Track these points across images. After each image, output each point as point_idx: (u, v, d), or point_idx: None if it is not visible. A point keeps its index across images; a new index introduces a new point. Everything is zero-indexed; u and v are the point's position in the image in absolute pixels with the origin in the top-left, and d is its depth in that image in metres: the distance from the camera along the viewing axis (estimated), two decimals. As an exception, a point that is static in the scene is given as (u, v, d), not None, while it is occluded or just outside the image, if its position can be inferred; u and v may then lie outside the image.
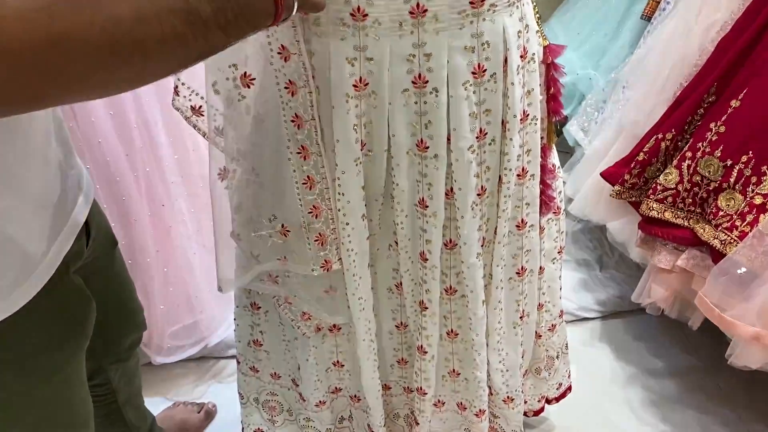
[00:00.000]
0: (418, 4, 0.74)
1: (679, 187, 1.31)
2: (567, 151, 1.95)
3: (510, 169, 0.91)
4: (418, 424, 1.13)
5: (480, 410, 1.12)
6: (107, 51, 0.44)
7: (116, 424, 1.04)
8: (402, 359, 1.11)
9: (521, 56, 0.85)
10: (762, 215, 1.17)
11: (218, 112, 0.85)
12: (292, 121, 0.81)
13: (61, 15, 0.42)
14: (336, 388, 1.14)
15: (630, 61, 1.62)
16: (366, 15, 0.75)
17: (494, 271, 1.00)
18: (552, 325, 1.22)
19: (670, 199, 1.32)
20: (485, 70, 0.81)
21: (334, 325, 1.04)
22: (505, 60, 0.83)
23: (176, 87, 0.90)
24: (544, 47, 0.92)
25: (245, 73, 0.81)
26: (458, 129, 0.84)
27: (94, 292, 0.76)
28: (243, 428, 1.23)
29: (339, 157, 0.84)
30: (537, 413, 1.33)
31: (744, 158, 1.23)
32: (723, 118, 1.25)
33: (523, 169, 0.95)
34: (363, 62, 0.78)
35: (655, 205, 1.34)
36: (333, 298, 0.97)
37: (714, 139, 1.26)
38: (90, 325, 0.76)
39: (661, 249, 1.36)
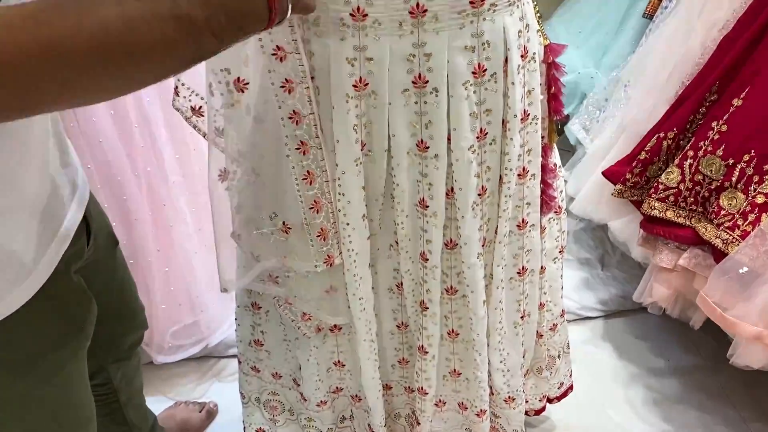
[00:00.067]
0: (417, 4, 0.74)
1: (681, 186, 1.31)
2: (568, 150, 1.95)
3: (511, 169, 0.91)
4: (419, 423, 1.13)
5: (481, 410, 1.11)
6: (96, 57, 0.44)
7: (117, 424, 1.04)
8: (403, 359, 1.11)
9: (522, 56, 0.85)
10: (764, 214, 1.17)
11: (218, 113, 0.85)
12: (290, 118, 0.81)
13: (48, 22, 0.42)
14: (337, 387, 1.14)
15: (632, 60, 1.61)
16: (366, 15, 0.75)
17: (495, 271, 1.00)
18: (553, 324, 1.22)
19: (671, 198, 1.32)
20: (485, 69, 0.81)
21: (335, 325, 1.04)
22: (506, 60, 0.82)
23: (176, 87, 0.90)
24: (545, 46, 0.92)
25: (238, 78, 0.80)
26: (458, 129, 0.84)
27: (95, 292, 0.76)
28: (244, 428, 1.23)
29: (339, 157, 0.84)
30: (538, 412, 1.33)
31: (746, 157, 1.22)
32: (725, 117, 1.25)
33: (523, 169, 0.95)
34: (363, 62, 0.78)
35: (656, 204, 1.34)
36: (333, 299, 0.97)
37: (716, 137, 1.26)
38: (91, 325, 0.76)
39: (663, 248, 1.35)
